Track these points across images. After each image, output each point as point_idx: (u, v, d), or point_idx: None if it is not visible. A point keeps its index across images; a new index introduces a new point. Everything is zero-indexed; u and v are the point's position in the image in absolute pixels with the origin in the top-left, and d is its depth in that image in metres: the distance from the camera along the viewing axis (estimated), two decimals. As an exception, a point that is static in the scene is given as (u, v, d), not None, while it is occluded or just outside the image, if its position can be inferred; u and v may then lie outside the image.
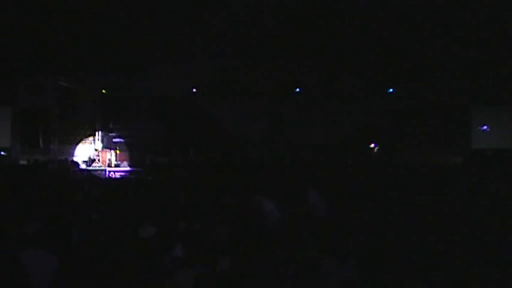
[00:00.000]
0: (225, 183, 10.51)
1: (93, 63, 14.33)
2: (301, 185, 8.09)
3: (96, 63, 14.29)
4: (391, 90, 16.74)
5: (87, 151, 16.76)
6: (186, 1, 11.37)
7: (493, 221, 6.07)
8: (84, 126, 17.15)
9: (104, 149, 16.56)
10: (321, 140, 16.04)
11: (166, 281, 3.88)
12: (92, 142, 17.23)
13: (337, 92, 16.35)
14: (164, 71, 15.15)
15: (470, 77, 15.03)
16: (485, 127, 16.29)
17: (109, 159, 15.83)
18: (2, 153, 15.68)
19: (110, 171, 15.22)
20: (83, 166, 15.60)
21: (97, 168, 15.54)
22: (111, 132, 17.02)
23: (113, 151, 16.10)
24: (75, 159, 16.04)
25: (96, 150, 16.77)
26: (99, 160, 15.99)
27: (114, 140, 16.79)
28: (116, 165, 15.82)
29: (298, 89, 16.83)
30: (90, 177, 14.22)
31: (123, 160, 16.11)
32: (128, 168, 15.54)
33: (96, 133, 17.35)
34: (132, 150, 16.53)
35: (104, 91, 16.97)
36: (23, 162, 14.89)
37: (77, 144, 16.85)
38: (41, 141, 15.93)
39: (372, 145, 16.41)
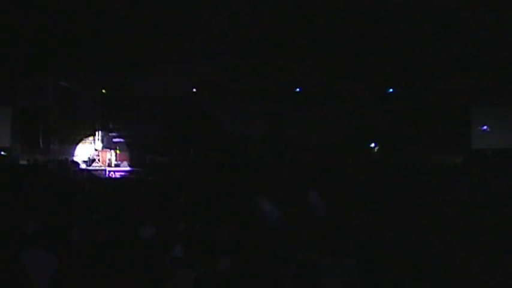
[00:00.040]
0: (225, 183, 10.51)
1: (93, 63, 14.32)
2: (301, 185, 8.10)
3: (96, 63, 14.29)
4: (391, 90, 16.74)
5: (87, 151, 16.76)
6: (186, 1, 11.37)
7: (493, 221, 6.07)
8: (84, 126, 17.14)
9: (104, 149, 16.57)
10: (321, 140, 16.03)
11: (166, 281, 3.88)
12: (92, 142, 17.23)
13: (337, 92, 16.35)
14: (164, 71, 15.14)
15: (470, 77, 15.02)
16: (485, 127, 16.29)
17: (109, 159, 15.84)
18: (2, 153, 15.67)
19: (110, 171, 15.23)
20: (83, 166, 15.60)
21: (97, 168, 15.55)
22: (111, 132, 17.03)
23: (112, 151, 16.11)
24: (75, 159, 16.05)
25: (96, 150, 16.77)
26: (99, 160, 15.99)
27: (114, 140, 16.79)
28: (116, 165, 15.83)
29: (298, 89, 16.83)
30: (90, 177, 14.22)
31: (123, 160, 16.12)
32: (128, 168, 15.54)
33: (96, 133, 17.35)
34: (132, 150, 16.53)
35: (104, 91, 16.97)
36: (23, 162, 14.89)
37: (77, 144, 16.84)
38: (41, 141, 15.92)
39: (372, 145, 16.42)
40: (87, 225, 5.47)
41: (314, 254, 4.21)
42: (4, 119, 16.16)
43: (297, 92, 16.81)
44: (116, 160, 16.00)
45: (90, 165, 15.75)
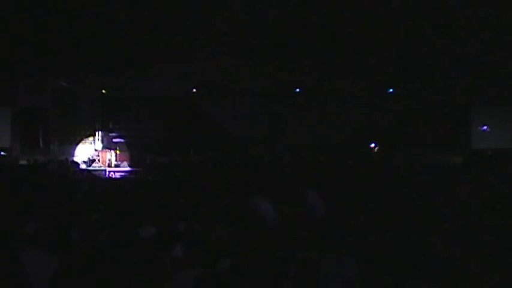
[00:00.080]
0: (225, 183, 10.51)
1: (93, 63, 14.32)
2: (300, 185, 8.10)
3: (96, 63, 14.28)
4: (391, 90, 16.74)
5: (87, 151, 16.76)
6: (186, 1, 11.37)
7: (493, 221, 6.08)
8: (84, 126, 17.15)
9: (104, 149, 16.57)
10: (321, 140, 16.04)
11: (166, 281, 3.88)
12: (92, 142, 17.23)
13: (337, 92, 16.35)
14: (164, 71, 15.14)
15: (470, 77, 15.02)
16: (485, 127, 16.29)
17: (109, 160, 15.84)
18: (2, 153, 15.67)
19: (109, 172, 15.23)
20: (83, 166, 15.60)
21: (97, 168, 15.55)
22: (111, 132, 17.03)
23: (112, 151, 16.11)
24: (75, 159, 16.05)
25: (96, 150, 16.78)
26: (99, 160, 16.00)
27: (114, 140, 16.79)
28: (116, 166, 15.83)
29: (298, 89, 16.84)
30: (90, 178, 14.23)
31: (123, 160, 16.12)
32: (128, 169, 15.54)
33: (96, 133, 17.35)
34: (132, 150, 16.54)
35: (104, 91, 16.97)
36: (23, 162, 14.89)
37: (77, 144, 16.85)
38: (41, 141, 15.92)
39: (372, 145, 16.42)
40: (87, 225, 5.46)
41: (314, 254, 4.21)
42: (4, 119, 16.16)
43: (297, 92, 16.81)
44: (115, 160, 16.01)
45: (90, 166, 15.76)
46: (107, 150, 16.31)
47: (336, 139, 16.34)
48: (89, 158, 16.12)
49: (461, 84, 15.47)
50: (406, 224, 6.00)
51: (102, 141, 17.30)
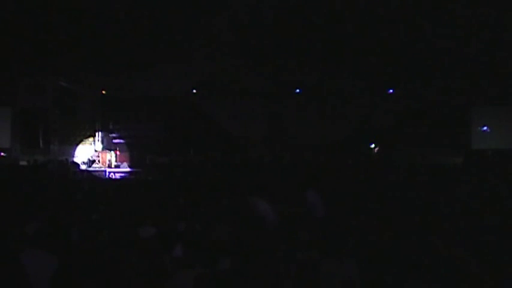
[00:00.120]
0: (225, 183, 10.51)
1: (93, 63, 14.32)
2: (300, 185, 8.09)
3: (96, 63, 14.28)
4: (391, 90, 16.74)
5: (87, 152, 16.76)
6: (186, 1, 11.37)
7: (493, 221, 6.07)
8: (84, 126, 17.15)
9: (104, 150, 16.56)
10: (320, 140, 16.04)
11: (166, 281, 3.88)
12: (92, 143, 17.23)
13: (337, 92, 16.36)
14: (164, 71, 15.14)
15: (470, 77, 15.02)
16: (485, 128, 16.30)
17: (109, 160, 15.84)
18: (2, 154, 15.66)
19: (109, 172, 15.23)
20: (83, 167, 15.60)
21: (97, 168, 15.55)
22: (111, 133, 17.03)
23: (112, 152, 16.10)
24: (75, 159, 16.05)
25: (96, 151, 16.78)
26: (99, 161, 16.00)
27: (114, 140, 16.79)
28: (116, 166, 15.83)
29: (298, 89, 16.84)
30: (90, 178, 14.23)
31: (123, 161, 16.12)
32: (128, 169, 15.54)
33: (96, 133, 17.35)
34: (132, 150, 16.54)
35: (103, 91, 16.97)
36: (23, 162, 14.88)
37: (77, 144, 16.84)
38: (41, 141, 15.91)
39: (372, 145, 16.42)
40: (87, 225, 5.47)
41: (314, 254, 4.21)
42: (4, 119, 16.15)
43: (297, 92, 16.82)
44: (115, 161, 16.00)
45: (90, 166, 15.76)
46: (107, 150, 16.30)
47: (336, 139, 16.34)
48: (88, 159, 16.11)
49: (461, 84, 15.47)
50: (406, 224, 6.00)
51: (102, 142, 17.30)
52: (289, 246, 4.54)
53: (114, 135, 16.97)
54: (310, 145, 16.00)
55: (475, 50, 13.15)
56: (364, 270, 4.08)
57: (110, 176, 15.01)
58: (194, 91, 16.74)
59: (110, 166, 15.69)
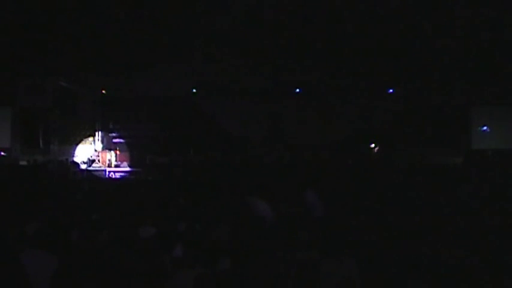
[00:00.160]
0: (225, 183, 10.51)
1: (93, 63, 14.31)
2: (300, 185, 8.09)
3: (96, 63, 14.28)
4: (391, 90, 16.74)
5: (87, 152, 16.76)
6: (186, 1, 11.37)
7: (493, 221, 6.08)
8: (84, 126, 17.14)
9: (104, 150, 16.56)
10: (321, 140, 16.04)
11: (166, 281, 3.88)
12: (92, 143, 17.23)
13: (337, 92, 16.35)
14: (164, 71, 15.14)
15: (470, 77, 15.02)
16: (485, 128, 16.29)
17: (109, 160, 15.83)
18: (2, 153, 15.66)
19: (109, 172, 15.23)
20: (83, 166, 15.60)
21: (97, 168, 15.55)
22: (111, 133, 17.03)
23: (112, 152, 16.10)
24: (75, 159, 16.05)
25: (95, 150, 16.78)
26: (99, 161, 16.00)
27: (114, 140, 16.79)
28: (116, 166, 15.83)
29: (298, 89, 16.84)
30: (90, 178, 14.23)
31: (123, 160, 16.12)
32: (128, 169, 15.54)
33: (96, 133, 17.35)
34: (132, 150, 16.53)
35: (103, 91, 16.97)
36: (23, 162, 14.88)
37: (77, 144, 16.84)
38: (41, 141, 15.91)
39: (372, 145, 16.42)
40: (87, 225, 5.47)
41: (314, 254, 4.21)
42: (4, 119, 16.15)
43: (297, 92, 16.82)
44: (115, 161, 16.00)
45: (90, 166, 15.76)
46: (107, 150, 16.30)
47: (336, 139, 16.33)
48: (88, 159, 16.11)
49: (461, 84, 15.47)
50: (406, 224, 6.00)
51: (102, 142, 17.29)
52: (289, 246, 4.54)
53: (114, 135, 16.97)
54: (310, 145, 15.99)
55: (475, 50, 13.15)
56: (364, 270, 4.08)
57: (110, 175, 15.02)
58: (194, 91, 16.73)
59: (110, 166, 15.68)
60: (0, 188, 9.11)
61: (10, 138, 16.09)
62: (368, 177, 12.14)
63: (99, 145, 17.17)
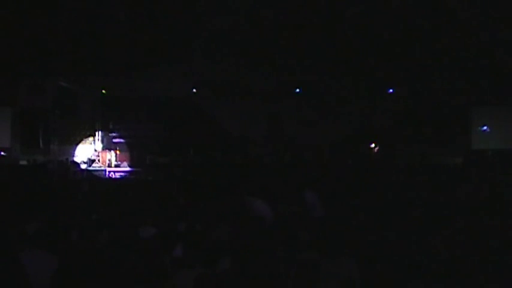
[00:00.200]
0: (225, 183, 10.51)
1: (93, 63, 14.32)
2: (300, 185, 8.10)
3: (96, 63, 14.28)
4: (391, 90, 16.74)
5: (87, 152, 16.76)
6: (186, 1, 11.37)
7: (493, 221, 6.08)
8: (84, 126, 17.13)
9: (104, 150, 16.56)
10: (321, 140, 16.03)
11: (166, 282, 3.88)
12: (92, 143, 17.22)
13: (337, 92, 16.35)
14: (164, 71, 15.14)
15: (470, 77, 15.02)
16: (485, 128, 16.28)
17: (109, 160, 15.83)
18: (2, 153, 15.66)
19: (110, 172, 15.23)
20: (83, 166, 15.60)
21: (97, 168, 15.54)
22: (111, 133, 17.02)
23: (112, 151, 16.10)
24: (75, 159, 16.04)
25: (95, 150, 16.77)
26: (99, 160, 15.99)
27: (114, 140, 16.78)
28: (116, 166, 15.83)
29: (298, 89, 16.83)
30: (90, 178, 14.23)
31: (123, 160, 16.11)
32: (128, 169, 15.54)
33: (96, 133, 17.34)
34: (132, 150, 16.52)
35: (103, 91, 16.97)
36: (23, 162, 14.88)
37: (77, 144, 16.84)
38: (41, 141, 15.90)
39: (372, 145, 16.42)
40: (87, 225, 5.47)
41: (314, 254, 4.21)
42: (4, 119, 16.14)
43: (297, 92, 16.82)
44: (116, 160, 16.00)
45: (90, 166, 15.76)
46: (107, 150, 16.30)
47: (336, 139, 16.33)
48: (88, 159, 16.11)
49: (461, 84, 15.46)
50: (406, 224, 6.00)
51: (102, 142, 17.29)
52: (289, 246, 4.54)
53: (114, 135, 16.96)
54: (310, 145, 15.99)
55: (475, 49, 13.15)
56: (364, 270, 4.08)
57: (110, 175, 15.01)
58: (194, 91, 16.73)
59: (110, 166, 15.68)
60: (0, 188, 9.11)
61: (10, 138, 16.08)
62: (368, 177, 12.14)
63: (99, 145, 17.17)
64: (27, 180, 11.33)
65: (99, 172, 15.15)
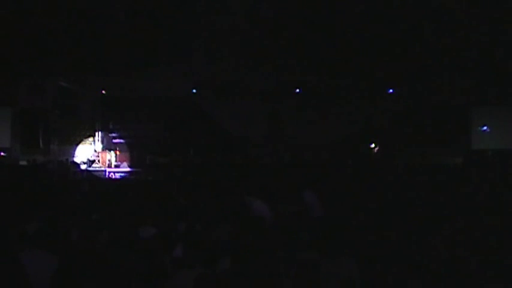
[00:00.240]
0: (225, 183, 10.52)
1: (93, 63, 14.32)
2: (300, 185, 8.10)
3: (96, 63, 14.28)
4: (391, 90, 16.73)
5: (87, 152, 16.75)
6: (186, 1, 11.37)
7: (493, 221, 6.07)
8: (84, 126, 17.13)
9: (104, 150, 16.56)
10: (321, 140, 16.03)
11: (166, 282, 3.88)
12: (92, 143, 17.22)
13: (337, 92, 16.35)
14: (164, 71, 15.14)
15: (470, 77, 15.02)
16: (485, 128, 16.28)
17: (109, 160, 15.83)
18: (2, 153, 15.66)
19: (109, 172, 15.23)
20: (83, 167, 15.60)
21: (97, 168, 15.54)
22: (111, 133, 17.02)
23: (112, 152, 16.10)
24: (75, 159, 16.04)
25: (95, 151, 16.77)
26: (98, 161, 15.99)
27: (114, 140, 16.78)
28: (116, 166, 15.82)
29: (298, 89, 16.84)
30: (90, 178, 14.23)
31: (123, 161, 16.11)
32: (128, 169, 15.54)
33: (96, 133, 17.34)
34: (132, 150, 16.52)
35: (103, 91, 16.96)
36: (23, 162, 14.88)
37: (77, 144, 16.83)
38: (41, 141, 15.90)
39: (372, 145, 16.42)
40: (87, 225, 5.46)
41: (314, 254, 4.21)
42: (4, 119, 16.14)
43: (297, 92, 16.82)
44: (115, 161, 16.00)
45: (90, 166, 15.76)
46: (107, 150, 16.29)
47: (336, 139, 16.33)
48: (88, 159, 16.11)
49: (461, 84, 15.47)
50: (406, 224, 6.00)
51: (102, 142, 17.29)
52: (289, 246, 4.54)
53: (114, 135, 16.96)
54: (310, 145, 15.99)
55: (475, 49, 13.15)
56: (364, 270, 4.08)
57: (110, 176, 15.01)
58: (194, 91, 16.73)
59: (109, 166, 15.68)
60: (0, 188, 9.11)
61: (10, 138, 16.08)
62: (368, 177, 12.14)
63: (99, 145, 17.16)
64: (27, 180, 11.33)
65: (99, 172, 15.14)
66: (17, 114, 16.15)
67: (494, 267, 4.40)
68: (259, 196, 6.56)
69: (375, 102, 16.36)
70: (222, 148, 16.35)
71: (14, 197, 7.59)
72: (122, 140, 16.74)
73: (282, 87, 16.41)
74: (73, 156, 16.33)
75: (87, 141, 17.12)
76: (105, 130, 17.25)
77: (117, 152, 16.15)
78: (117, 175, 15.06)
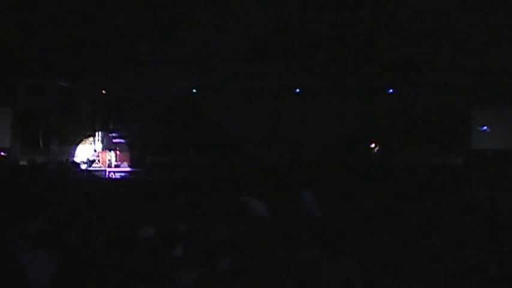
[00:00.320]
0: (225, 183, 10.52)
1: (93, 63, 14.32)
2: (300, 184, 8.10)
3: (96, 63, 14.28)
4: (391, 90, 16.73)
5: (87, 152, 16.76)
6: (186, 1, 11.37)
7: (493, 221, 6.08)
8: (84, 126, 17.13)
9: (104, 150, 16.56)
10: (321, 139, 16.03)
11: (166, 282, 3.88)
12: (92, 143, 17.22)
13: (337, 92, 16.35)
14: (164, 71, 15.14)
15: (470, 77, 15.01)
16: (485, 128, 16.28)
17: (109, 160, 15.83)
18: (2, 153, 15.66)
19: (109, 172, 15.23)
20: (83, 167, 15.60)
21: (97, 168, 15.54)
22: (111, 133, 17.02)
23: (112, 152, 16.10)
24: (75, 159, 16.04)
25: (95, 151, 16.77)
26: (98, 161, 16.00)
27: (114, 140, 16.79)
28: (116, 166, 15.83)
29: (298, 89, 16.83)
30: (90, 178, 14.23)
31: (123, 161, 16.12)
32: (128, 169, 15.54)
33: (96, 133, 17.34)
34: (132, 150, 16.53)
35: (104, 91, 16.96)
36: (23, 162, 14.88)
37: (77, 144, 16.84)
38: (41, 141, 15.90)
39: (372, 145, 16.42)
40: (87, 225, 5.46)
41: (314, 254, 4.21)
42: (4, 119, 16.15)
43: (297, 92, 16.82)
44: (116, 161, 16.00)
45: (90, 166, 15.76)
46: (107, 150, 16.30)
47: (336, 139, 16.33)
48: (88, 159, 16.11)
49: (461, 84, 15.47)
50: (406, 224, 6.00)
51: (102, 142, 17.29)
52: (289, 246, 4.54)
53: (114, 135, 16.96)
54: (310, 145, 15.99)
55: (475, 49, 13.15)
56: (364, 270, 4.08)
57: (110, 176, 15.02)
58: (194, 91, 16.73)
59: (110, 166, 15.68)
60: (0, 188, 9.11)
61: (10, 138, 16.08)
62: (368, 177, 12.14)
63: (99, 145, 17.16)
64: (27, 180, 11.33)
65: (99, 172, 15.15)
66: (17, 114, 16.15)
67: (494, 267, 4.40)
68: (259, 196, 6.56)
69: (375, 102, 16.36)
70: (222, 148, 16.35)
71: (14, 197, 7.59)
72: (122, 140, 16.75)
73: (282, 87, 16.41)
74: (73, 156, 16.33)
75: (87, 141, 17.13)
76: (105, 130, 17.26)
77: (117, 152, 16.16)
78: (117, 175, 15.07)
